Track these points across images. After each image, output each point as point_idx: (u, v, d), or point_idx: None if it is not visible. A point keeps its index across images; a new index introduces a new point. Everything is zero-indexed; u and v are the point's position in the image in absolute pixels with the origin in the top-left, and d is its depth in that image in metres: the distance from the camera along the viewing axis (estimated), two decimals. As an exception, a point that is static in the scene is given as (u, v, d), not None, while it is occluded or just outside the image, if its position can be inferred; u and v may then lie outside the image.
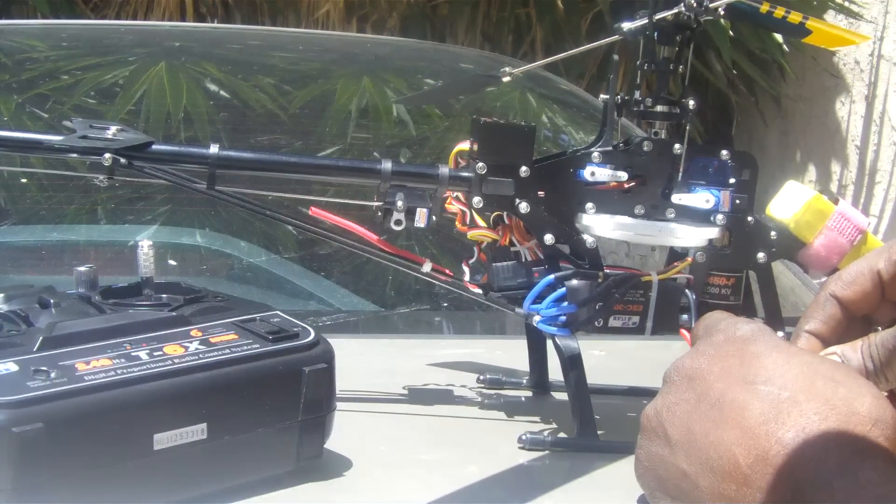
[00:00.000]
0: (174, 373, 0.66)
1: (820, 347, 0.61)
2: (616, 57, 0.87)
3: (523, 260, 0.84)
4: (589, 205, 0.84)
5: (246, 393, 0.69)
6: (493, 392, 0.93)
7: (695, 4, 0.81)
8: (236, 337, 0.71)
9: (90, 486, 0.62)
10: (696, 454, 0.54)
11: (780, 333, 0.84)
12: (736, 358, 0.56)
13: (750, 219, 0.86)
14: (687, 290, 0.84)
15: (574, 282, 0.82)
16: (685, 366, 0.58)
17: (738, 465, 0.52)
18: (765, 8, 0.85)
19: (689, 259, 0.85)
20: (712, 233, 0.84)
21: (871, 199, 3.89)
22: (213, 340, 0.70)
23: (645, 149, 0.84)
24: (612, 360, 1.03)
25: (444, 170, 0.82)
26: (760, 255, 0.86)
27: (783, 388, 0.53)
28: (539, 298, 0.82)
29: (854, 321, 0.61)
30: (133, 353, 0.67)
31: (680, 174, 0.84)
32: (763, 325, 0.59)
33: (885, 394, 0.55)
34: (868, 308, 0.61)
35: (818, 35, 0.87)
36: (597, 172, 0.83)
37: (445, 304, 1.28)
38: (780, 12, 0.85)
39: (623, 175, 0.84)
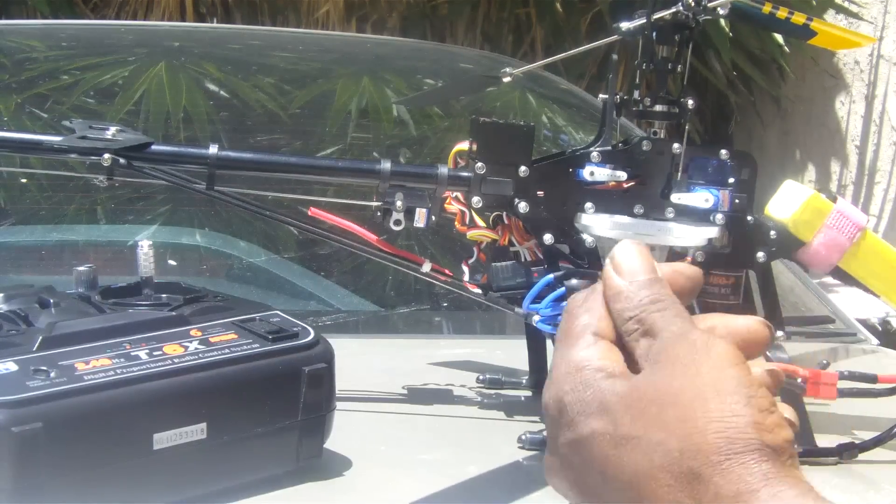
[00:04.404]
0: (174, 372, 0.66)
1: None
2: (615, 57, 0.87)
3: (522, 260, 0.84)
4: (588, 204, 0.84)
5: (245, 393, 0.69)
6: (492, 392, 0.93)
7: (693, 4, 0.81)
8: (236, 337, 0.71)
9: (90, 485, 0.62)
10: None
11: (781, 333, 0.84)
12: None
13: (749, 218, 0.86)
14: (686, 290, 0.84)
15: (573, 281, 0.82)
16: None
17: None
18: (767, 9, 0.84)
19: (689, 258, 0.85)
20: (711, 232, 0.84)
21: (871, 199, 3.88)
22: (212, 340, 0.70)
23: (644, 148, 0.84)
24: (611, 359, 1.03)
25: (443, 170, 0.82)
26: (760, 254, 0.86)
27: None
28: (538, 298, 0.82)
29: None
30: (133, 353, 0.67)
31: (679, 174, 0.85)
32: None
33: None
34: None
35: (823, 37, 0.87)
36: (596, 172, 0.83)
37: (445, 304, 1.27)
38: (782, 13, 0.85)
39: (622, 175, 0.84)
